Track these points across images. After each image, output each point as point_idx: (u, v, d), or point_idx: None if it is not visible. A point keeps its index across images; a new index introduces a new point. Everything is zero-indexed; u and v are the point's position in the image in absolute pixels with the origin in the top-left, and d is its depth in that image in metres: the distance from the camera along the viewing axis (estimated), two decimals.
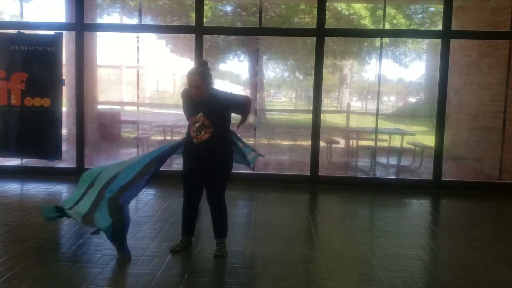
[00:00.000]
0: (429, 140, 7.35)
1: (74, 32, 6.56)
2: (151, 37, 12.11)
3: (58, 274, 3.32)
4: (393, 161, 8.12)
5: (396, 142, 8.60)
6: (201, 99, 3.56)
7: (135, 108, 9.37)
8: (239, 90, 16.22)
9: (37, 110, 6.41)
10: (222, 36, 12.76)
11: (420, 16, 12.53)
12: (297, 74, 15.95)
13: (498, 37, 6.91)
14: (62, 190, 5.95)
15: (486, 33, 7.25)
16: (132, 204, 5.31)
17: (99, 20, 9.81)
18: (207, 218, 4.54)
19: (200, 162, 3.66)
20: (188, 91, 3.61)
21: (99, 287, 3.08)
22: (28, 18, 6.92)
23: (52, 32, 6.47)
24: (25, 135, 6.48)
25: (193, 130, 3.59)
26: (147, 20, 11.33)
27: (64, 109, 7.00)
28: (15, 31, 6.51)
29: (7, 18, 11.06)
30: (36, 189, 5.93)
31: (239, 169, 7.44)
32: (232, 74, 15.56)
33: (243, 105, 3.75)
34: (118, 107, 10.84)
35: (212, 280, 3.30)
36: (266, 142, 10.78)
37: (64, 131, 7.02)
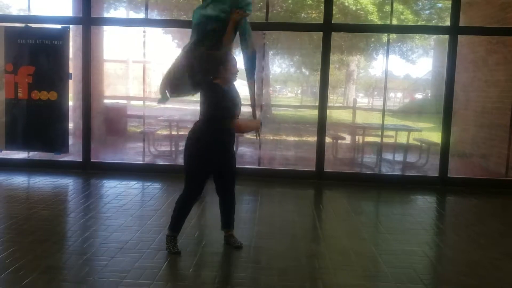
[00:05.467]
0: (436, 137, 7.32)
1: (81, 26, 6.58)
2: (158, 31, 12.11)
3: (64, 266, 3.35)
4: (399, 157, 8.09)
5: (402, 138, 8.57)
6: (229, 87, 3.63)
7: (141, 102, 9.40)
8: (244, 85, 16.16)
9: (44, 103, 6.44)
10: None
11: (427, 12, 12.47)
12: (304, 70, 15.91)
13: (506, 33, 6.85)
14: (68, 184, 5.99)
15: (494, 29, 7.19)
16: (138, 199, 5.34)
17: (106, 14, 9.83)
18: (210, 211, 4.58)
19: (229, 148, 3.70)
20: (226, 80, 3.60)
21: (105, 279, 3.11)
22: (35, 12, 6.95)
23: (59, 26, 6.49)
24: (32, 129, 6.51)
25: (237, 116, 3.63)
26: (154, 15, 11.34)
27: (70, 103, 7.03)
28: (22, 25, 6.54)
29: (14, 12, 11.12)
30: (43, 182, 5.97)
31: (245, 164, 7.49)
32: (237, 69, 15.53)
33: None
34: (125, 101, 10.88)
35: (217, 273, 3.31)
36: (271, 138, 10.78)
37: (70, 125, 7.05)
